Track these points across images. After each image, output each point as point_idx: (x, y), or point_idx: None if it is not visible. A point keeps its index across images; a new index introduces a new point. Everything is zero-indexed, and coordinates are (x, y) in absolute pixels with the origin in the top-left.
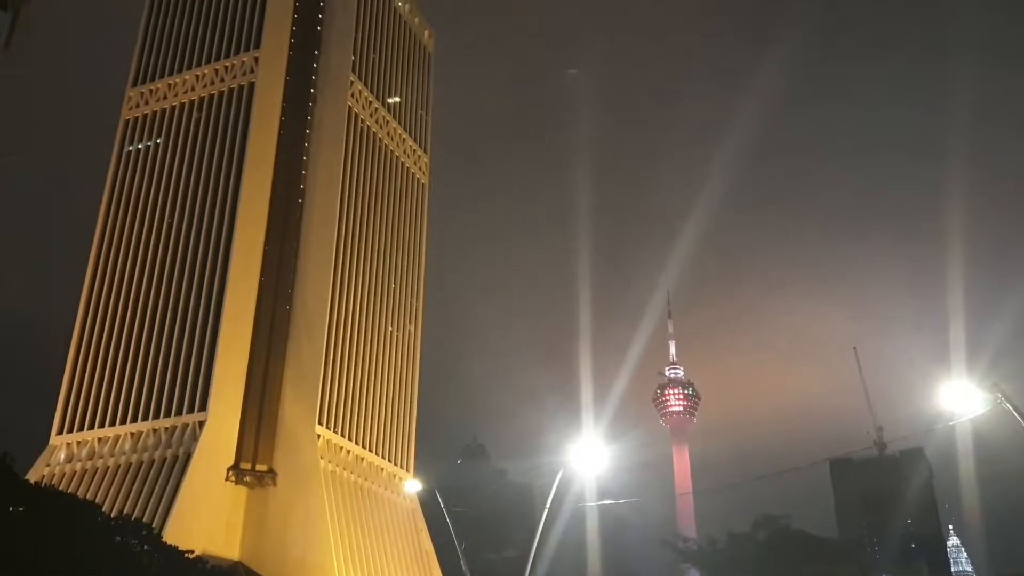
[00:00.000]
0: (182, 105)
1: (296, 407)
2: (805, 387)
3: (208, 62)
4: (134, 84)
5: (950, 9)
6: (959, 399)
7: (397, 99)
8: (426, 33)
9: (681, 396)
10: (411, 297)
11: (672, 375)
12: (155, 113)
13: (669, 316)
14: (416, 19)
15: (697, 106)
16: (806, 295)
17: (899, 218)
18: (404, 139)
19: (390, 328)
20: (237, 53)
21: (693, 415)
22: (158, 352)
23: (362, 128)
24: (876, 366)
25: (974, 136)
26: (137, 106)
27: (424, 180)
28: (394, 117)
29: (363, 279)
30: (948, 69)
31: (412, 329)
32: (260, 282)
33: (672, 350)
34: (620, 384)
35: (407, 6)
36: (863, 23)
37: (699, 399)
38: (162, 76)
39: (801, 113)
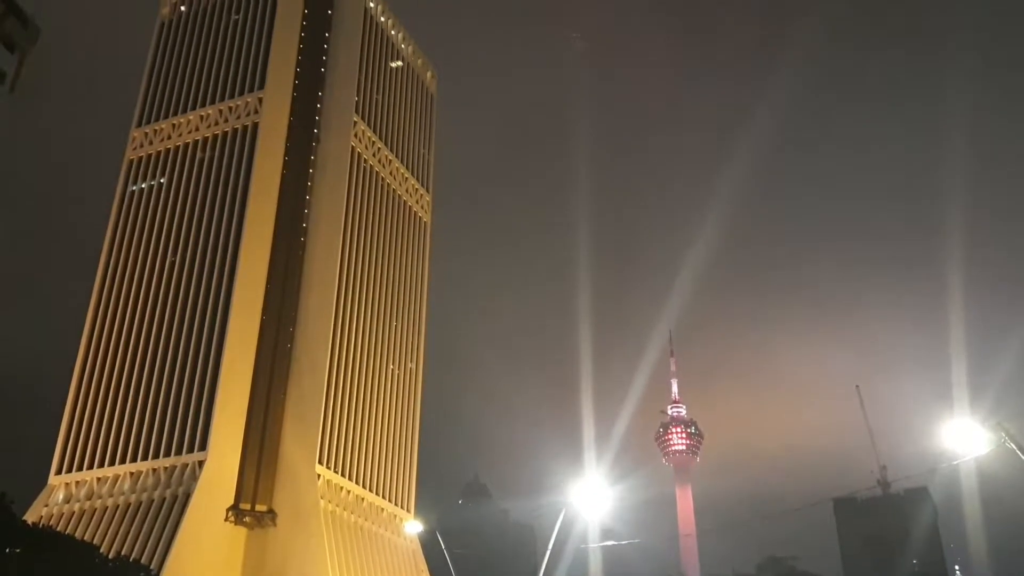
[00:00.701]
0: (186, 145)
1: (296, 446)
2: (808, 425)
3: (213, 102)
4: (139, 124)
5: (948, 53)
6: (962, 438)
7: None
8: (428, 74)
9: (684, 435)
10: (413, 334)
11: (675, 414)
12: (159, 153)
13: (671, 354)
14: (419, 61)
15: (697, 147)
16: (808, 334)
17: (900, 257)
18: (407, 178)
19: (391, 366)
20: (242, 94)
21: (696, 454)
22: (158, 391)
23: (365, 167)
24: (879, 404)
25: (973, 176)
26: (141, 146)
27: (426, 218)
28: (396, 155)
29: (365, 317)
30: (946, 110)
31: (413, 367)
32: (262, 320)
33: (675, 388)
34: (623, 423)
35: (410, 48)
36: (862, 63)
37: (702, 438)
38: (167, 116)
39: (801, 155)
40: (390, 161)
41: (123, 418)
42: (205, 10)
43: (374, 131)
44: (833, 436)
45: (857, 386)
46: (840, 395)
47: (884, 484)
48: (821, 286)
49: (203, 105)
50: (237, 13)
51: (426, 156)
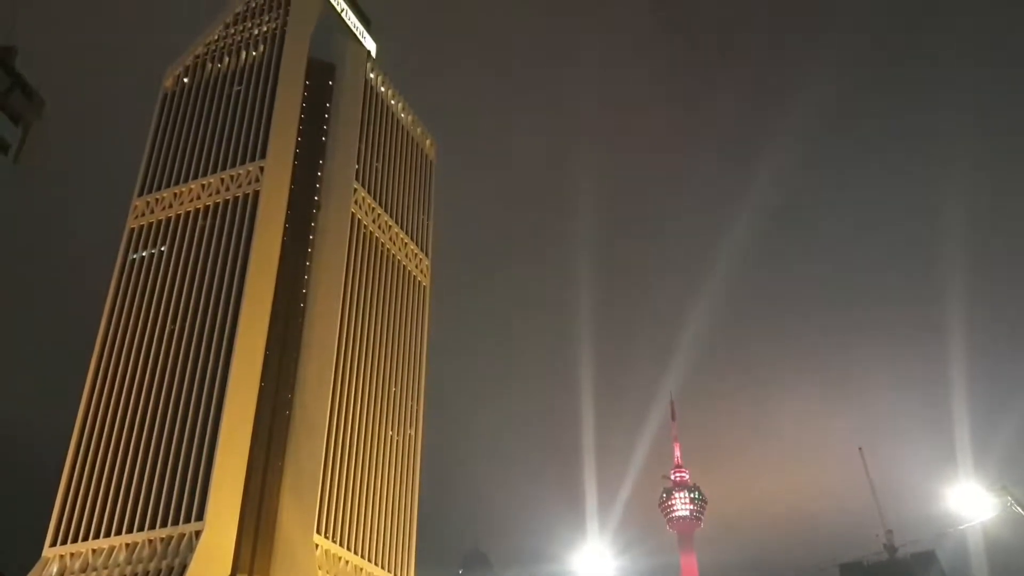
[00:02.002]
0: (187, 214)
1: (294, 515)
2: (812, 488)
3: (215, 171)
4: (140, 194)
5: (947, 114)
6: (969, 502)
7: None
8: (428, 142)
9: (687, 500)
10: (412, 401)
11: (677, 479)
12: (160, 222)
13: (673, 418)
14: (418, 129)
15: (697, 215)
16: (810, 396)
17: (901, 319)
18: (406, 243)
19: (390, 432)
20: (243, 163)
21: (700, 519)
22: (155, 460)
23: (365, 233)
24: (883, 467)
25: (972, 242)
26: (143, 215)
27: (425, 283)
28: (396, 221)
29: (364, 383)
30: (945, 180)
31: (412, 433)
32: (260, 388)
33: (677, 453)
34: (625, 489)
35: (409, 117)
36: (860, 133)
37: (706, 503)
38: (168, 185)
39: (800, 224)
40: (390, 227)
41: (119, 488)
42: (208, 81)
43: (374, 198)
44: (837, 499)
45: (860, 448)
46: (843, 457)
47: (891, 548)
48: (821, 350)
49: (205, 174)
50: (239, 84)
51: (425, 222)
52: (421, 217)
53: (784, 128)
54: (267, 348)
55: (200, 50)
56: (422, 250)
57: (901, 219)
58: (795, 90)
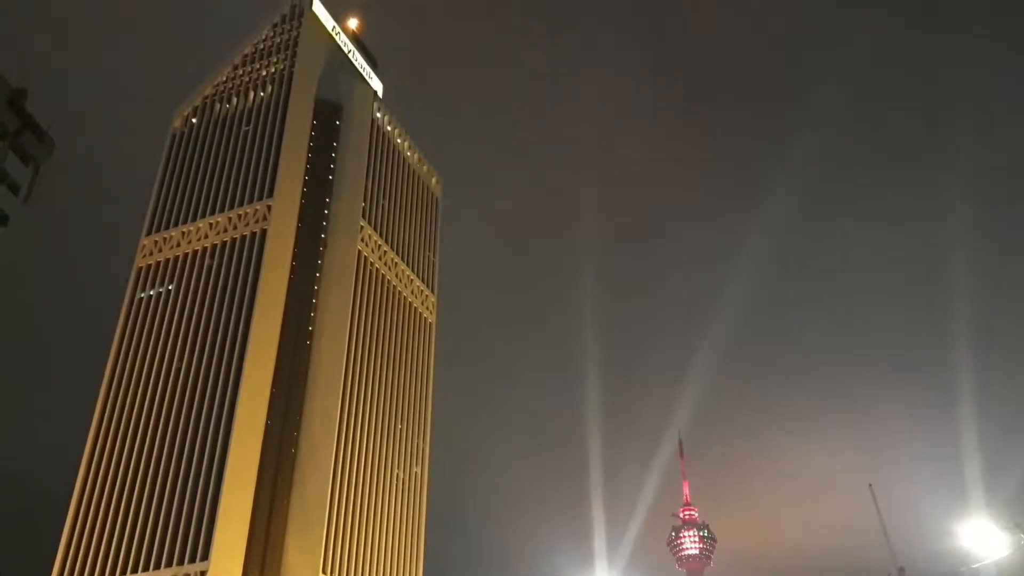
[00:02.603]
0: (195, 252)
1: (299, 555)
2: (823, 526)
3: (222, 210)
4: (148, 233)
5: (951, 154)
6: (981, 539)
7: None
8: (434, 180)
9: (697, 538)
10: (418, 439)
11: (687, 516)
12: (168, 261)
13: (681, 456)
14: (424, 167)
15: (704, 250)
16: (820, 433)
17: (909, 356)
18: (412, 280)
19: (396, 471)
20: (251, 202)
21: (710, 558)
22: (161, 498)
23: (371, 271)
24: (893, 503)
25: (979, 280)
26: (150, 254)
27: (431, 319)
28: (402, 258)
29: (369, 421)
30: (949, 220)
31: (419, 471)
32: (266, 426)
33: (686, 491)
34: (634, 527)
35: (415, 155)
36: (858, 169)
37: (715, 541)
38: (176, 224)
39: (808, 259)
40: (396, 264)
41: (125, 526)
42: (216, 122)
43: (380, 235)
44: (848, 536)
45: (870, 485)
46: (853, 494)
47: None
48: (830, 387)
49: (212, 213)
50: (247, 124)
51: (431, 258)
52: (427, 254)
53: (786, 172)
54: (273, 386)
55: (209, 91)
56: (428, 287)
57: (907, 257)
58: (796, 134)
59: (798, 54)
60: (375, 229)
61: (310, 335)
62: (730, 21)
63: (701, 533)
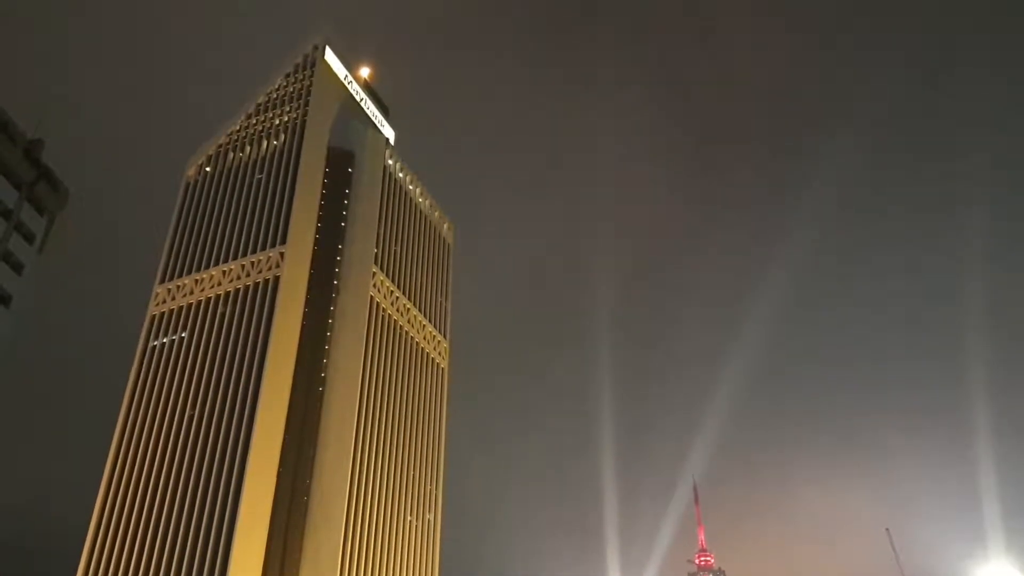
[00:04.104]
0: (208, 300)
1: None
2: (839, 570)
3: (235, 258)
4: (162, 281)
5: (968, 195)
6: None
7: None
8: (445, 226)
9: None
10: (430, 484)
11: (702, 562)
12: (181, 308)
13: (696, 501)
14: (436, 213)
15: (717, 291)
16: (834, 478)
17: (926, 401)
18: (424, 325)
19: (409, 517)
20: (264, 249)
21: None
22: (173, 546)
23: (383, 317)
24: (911, 548)
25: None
26: (164, 302)
27: (443, 364)
28: (414, 304)
29: (382, 468)
30: (964, 262)
31: (431, 518)
32: (278, 473)
33: (701, 536)
34: (651, 572)
35: (427, 201)
36: (878, 213)
37: None
38: (190, 272)
39: (823, 301)
40: (408, 309)
41: (137, 573)
42: (230, 170)
43: (392, 281)
44: None
45: (887, 529)
46: (870, 537)
47: None
48: (847, 432)
49: (226, 260)
50: (261, 172)
51: (443, 304)
52: (439, 299)
53: (802, 218)
54: (285, 433)
55: (222, 140)
56: (440, 332)
57: (923, 301)
58: (811, 181)
59: (818, 95)
60: (387, 275)
61: (323, 381)
62: (747, 69)
63: None
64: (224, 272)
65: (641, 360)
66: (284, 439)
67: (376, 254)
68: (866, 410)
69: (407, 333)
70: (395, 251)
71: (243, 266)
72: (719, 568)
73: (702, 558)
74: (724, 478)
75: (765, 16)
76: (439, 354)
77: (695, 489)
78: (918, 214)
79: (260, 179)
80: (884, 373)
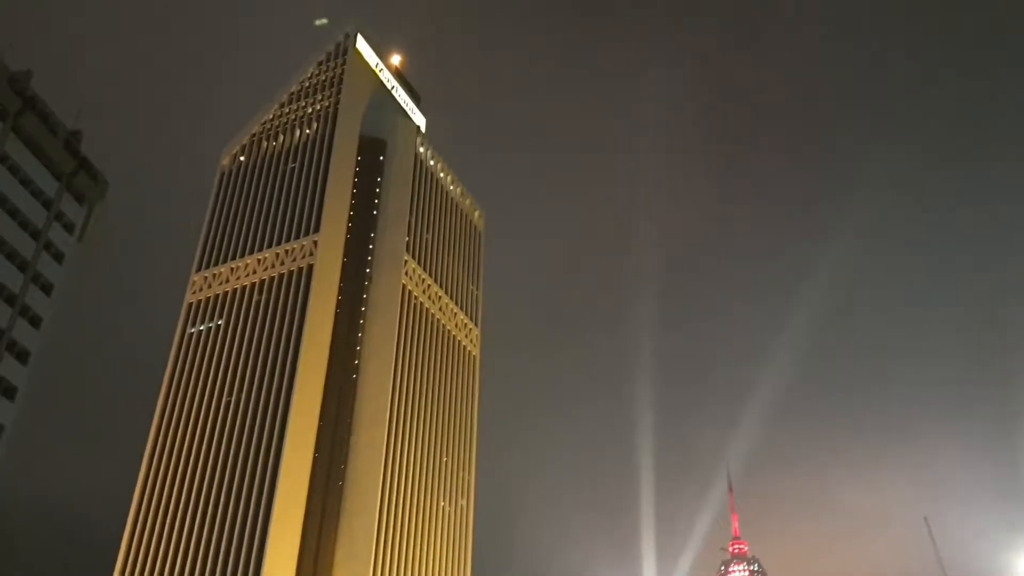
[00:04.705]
0: (243, 288)
1: None
2: (876, 560)
3: (270, 246)
4: (198, 269)
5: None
6: None
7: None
8: (476, 213)
9: (746, 572)
10: (463, 471)
11: (736, 550)
12: (217, 296)
13: (730, 489)
14: (467, 201)
15: (757, 277)
16: (872, 465)
17: (965, 388)
18: (456, 313)
19: (442, 502)
20: (298, 237)
21: None
22: (210, 534)
23: (415, 304)
24: (950, 536)
25: None
26: (200, 290)
27: (475, 352)
28: (446, 292)
29: (416, 453)
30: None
31: (464, 504)
32: (314, 459)
33: (735, 524)
34: (685, 560)
35: (458, 189)
36: (925, 205)
37: (765, 575)
38: (225, 261)
39: (868, 287)
40: (440, 297)
41: (176, 559)
42: (264, 159)
43: (424, 269)
44: (901, 569)
45: (925, 518)
46: (907, 526)
47: None
48: (883, 419)
49: (260, 249)
50: (294, 161)
51: (475, 291)
52: (471, 287)
53: (852, 211)
54: (320, 419)
55: (256, 129)
56: (472, 320)
57: (966, 292)
58: (861, 175)
59: (868, 94)
60: (419, 263)
61: (356, 368)
62: (790, 64)
63: (751, 567)
64: (259, 260)
65: (678, 350)
66: (319, 425)
67: (408, 242)
68: (905, 400)
69: (439, 321)
70: (426, 239)
71: (277, 254)
72: (753, 556)
73: (736, 546)
74: (760, 467)
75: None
76: (471, 341)
77: (728, 478)
78: (969, 203)
79: (293, 168)
80: (924, 362)
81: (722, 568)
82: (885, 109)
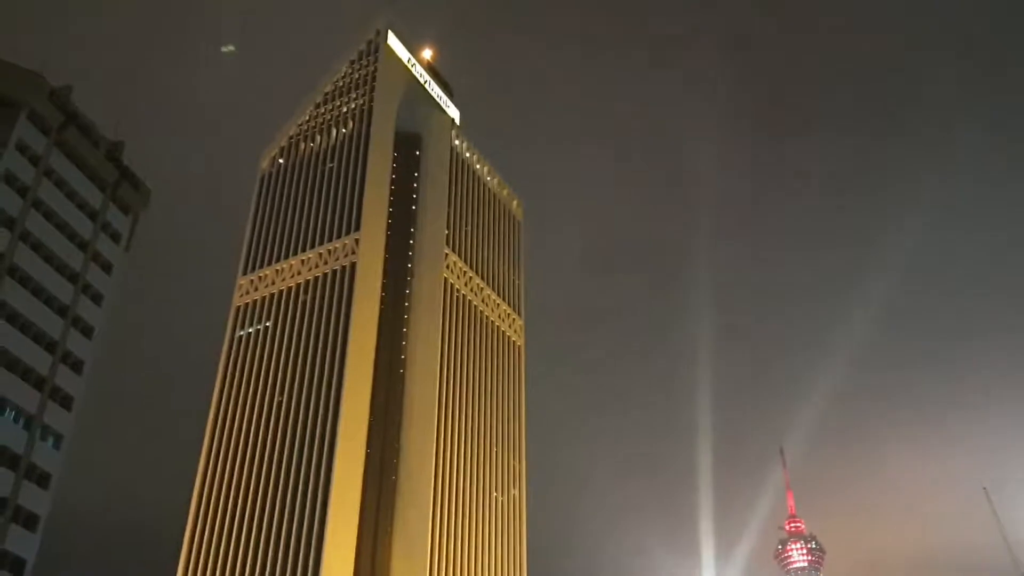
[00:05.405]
0: (289, 289)
1: None
2: (937, 533)
3: (312, 247)
4: (244, 272)
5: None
6: None
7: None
8: (515, 203)
9: (804, 551)
10: (514, 460)
11: (793, 528)
12: (264, 298)
13: (784, 466)
14: (504, 191)
15: (816, 261)
16: (928, 436)
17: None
18: (498, 304)
19: (495, 493)
20: (339, 236)
21: (819, 570)
22: (269, 531)
23: (458, 297)
24: (1011, 505)
25: None
26: (247, 293)
27: (520, 343)
28: (487, 283)
29: (465, 446)
30: None
31: (516, 493)
32: (366, 455)
33: (790, 502)
34: (743, 541)
35: (495, 180)
36: (988, 169)
37: (824, 552)
38: (270, 263)
39: (928, 261)
40: (481, 289)
41: (236, 559)
42: (302, 161)
43: (465, 261)
44: (964, 541)
45: (985, 488)
46: (966, 498)
47: None
48: (938, 389)
49: (303, 250)
50: (332, 161)
51: (516, 282)
52: (512, 278)
53: (915, 196)
54: (370, 415)
55: (293, 131)
56: (515, 310)
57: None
58: (923, 155)
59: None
60: (460, 256)
61: (403, 363)
62: (831, 55)
63: (809, 545)
64: (303, 261)
65: (729, 329)
66: (369, 420)
67: (447, 235)
68: (962, 371)
69: (482, 312)
70: (466, 231)
71: (320, 254)
72: (810, 534)
73: (792, 524)
74: (815, 444)
75: None
76: (514, 332)
77: (782, 455)
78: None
79: (331, 167)
80: (981, 329)
81: (779, 547)
82: (963, 76)
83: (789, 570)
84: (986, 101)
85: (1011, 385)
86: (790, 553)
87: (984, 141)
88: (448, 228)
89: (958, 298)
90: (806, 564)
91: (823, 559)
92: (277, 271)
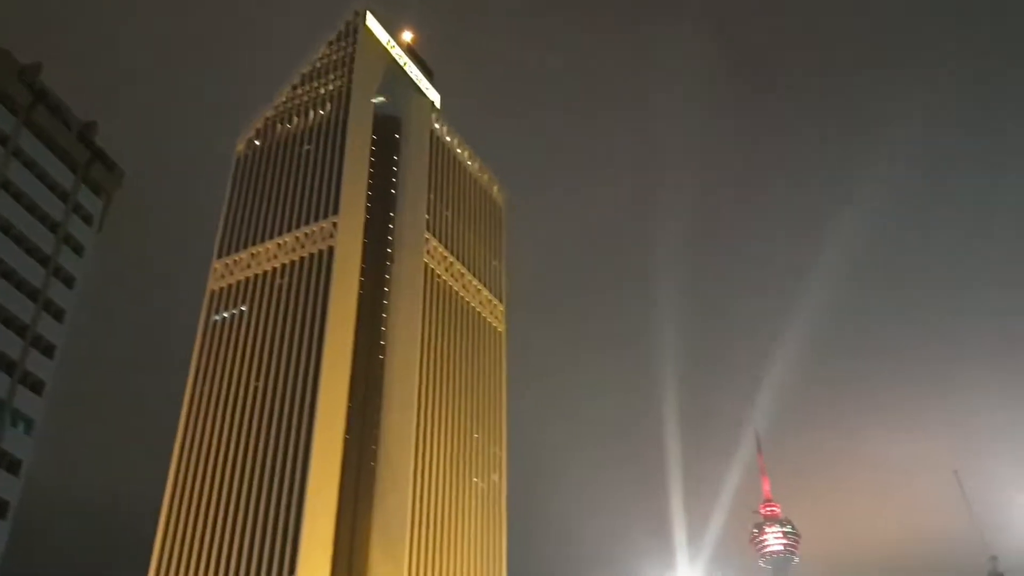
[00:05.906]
0: (265, 273)
1: (384, 567)
2: (909, 516)
3: (289, 230)
4: (219, 256)
5: None
6: None
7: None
8: (496, 188)
9: (780, 534)
10: (494, 446)
11: (768, 512)
12: (239, 282)
13: (759, 451)
14: (486, 176)
15: (781, 237)
16: (899, 419)
17: (1000, 334)
18: (479, 289)
19: (475, 479)
20: (317, 220)
21: (794, 554)
22: (245, 518)
23: (438, 282)
24: (982, 489)
25: None
26: (222, 277)
27: (500, 328)
28: (468, 268)
29: (445, 431)
30: None
31: (496, 478)
32: (344, 441)
33: (766, 487)
34: (715, 526)
35: (476, 164)
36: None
37: (799, 537)
38: (245, 247)
39: (896, 236)
40: (462, 275)
41: (211, 547)
42: (279, 143)
43: (445, 247)
44: (936, 524)
45: (955, 471)
46: (940, 481)
47: (996, 575)
48: (911, 372)
49: (280, 233)
50: (309, 144)
51: (497, 267)
52: (493, 263)
53: (879, 161)
54: (349, 400)
55: (270, 113)
56: (496, 296)
57: (1002, 236)
58: (893, 118)
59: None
60: (440, 240)
61: (382, 349)
62: (810, 17)
63: (784, 529)
64: (279, 245)
65: (705, 311)
66: (348, 406)
67: (428, 220)
68: (937, 354)
69: (462, 298)
70: (447, 216)
71: (297, 238)
72: (785, 518)
73: (767, 508)
74: (787, 427)
75: None
76: (495, 317)
77: (757, 439)
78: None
79: (309, 150)
80: (953, 310)
81: (755, 531)
82: (922, 40)
83: (764, 554)
84: (954, 51)
85: (984, 369)
86: (765, 537)
87: (957, 91)
88: (428, 213)
89: (930, 284)
90: (781, 548)
91: (799, 543)
92: (253, 255)
